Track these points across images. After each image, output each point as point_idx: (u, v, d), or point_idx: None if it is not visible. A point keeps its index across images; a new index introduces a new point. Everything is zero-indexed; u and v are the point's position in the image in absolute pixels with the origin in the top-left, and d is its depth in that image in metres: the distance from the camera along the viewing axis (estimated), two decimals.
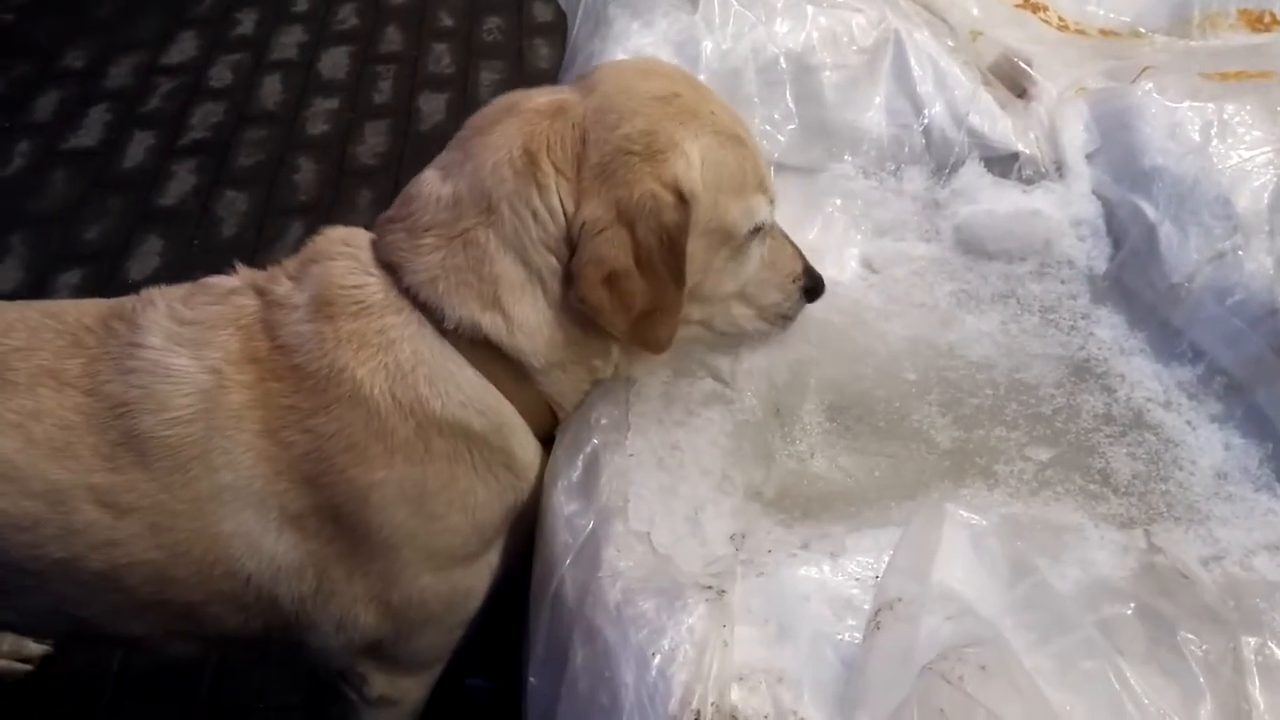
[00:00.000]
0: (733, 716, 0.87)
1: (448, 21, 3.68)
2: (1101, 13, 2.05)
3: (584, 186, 1.08)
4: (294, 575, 1.12)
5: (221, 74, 3.41)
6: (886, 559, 0.96)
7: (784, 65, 1.74)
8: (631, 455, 1.15)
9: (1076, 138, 1.68)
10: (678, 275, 1.10)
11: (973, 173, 1.72)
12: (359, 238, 1.18)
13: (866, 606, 0.93)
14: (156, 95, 3.30)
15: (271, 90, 3.33)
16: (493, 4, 3.74)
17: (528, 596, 1.17)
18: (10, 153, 3.04)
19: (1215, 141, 1.51)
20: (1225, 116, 1.53)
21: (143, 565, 1.09)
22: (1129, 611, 0.93)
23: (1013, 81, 1.82)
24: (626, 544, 1.03)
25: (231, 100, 3.27)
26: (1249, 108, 1.54)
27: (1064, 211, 1.65)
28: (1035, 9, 2.01)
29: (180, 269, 2.58)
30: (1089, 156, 1.67)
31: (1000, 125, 1.72)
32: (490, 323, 1.10)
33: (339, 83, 3.36)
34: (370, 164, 3.00)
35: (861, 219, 1.69)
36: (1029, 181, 1.70)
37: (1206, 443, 1.35)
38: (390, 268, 1.12)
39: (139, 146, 3.07)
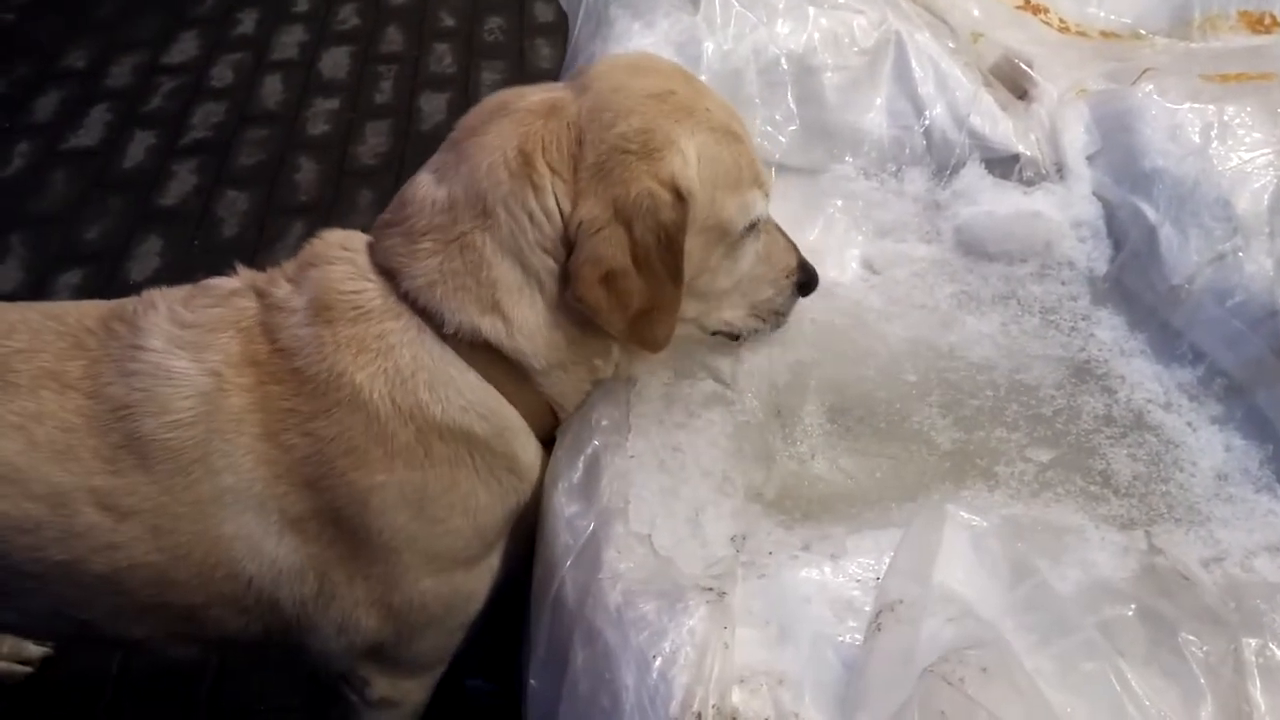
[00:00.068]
0: (734, 718, 0.87)
1: (449, 21, 3.68)
2: (1102, 14, 2.05)
3: (580, 186, 1.07)
4: (295, 578, 1.12)
5: (222, 74, 3.41)
6: (887, 561, 0.96)
7: (785, 66, 1.74)
8: (632, 457, 1.15)
9: (1077, 139, 1.69)
10: (675, 273, 1.10)
11: (973, 174, 1.72)
12: (356, 241, 1.18)
13: (867, 608, 0.93)
14: (157, 95, 3.30)
15: (272, 90, 3.33)
16: (494, 4, 3.74)
17: (528, 598, 1.17)
18: (10, 153, 3.04)
19: (1215, 143, 1.51)
20: (1225, 118, 1.53)
21: (144, 568, 1.09)
22: (1130, 613, 0.93)
23: (1014, 83, 1.82)
24: (627, 546, 1.03)
25: (232, 100, 3.27)
26: (1249, 109, 1.54)
27: (1065, 213, 1.65)
28: (1036, 11, 2.01)
29: (181, 269, 2.58)
30: (1090, 158, 1.68)
31: (1001, 127, 1.72)
32: (490, 326, 1.10)
33: (340, 82, 3.36)
34: (371, 164, 3.00)
35: (862, 220, 1.69)
36: (1030, 183, 1.70)
37: (1207, 444, 1.35)
38: (388, 273, 1.12)
39: (139, 146, 3.07)
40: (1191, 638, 0.90)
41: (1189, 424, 1.38)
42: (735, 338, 1.30)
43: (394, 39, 3.60)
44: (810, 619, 0.96)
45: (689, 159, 1.09)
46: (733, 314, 1.26)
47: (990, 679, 0.80)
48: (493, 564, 1.22)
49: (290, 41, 3.58)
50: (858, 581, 0.99)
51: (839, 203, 1.70)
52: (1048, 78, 1.78)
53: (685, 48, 1.71)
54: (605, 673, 0.93)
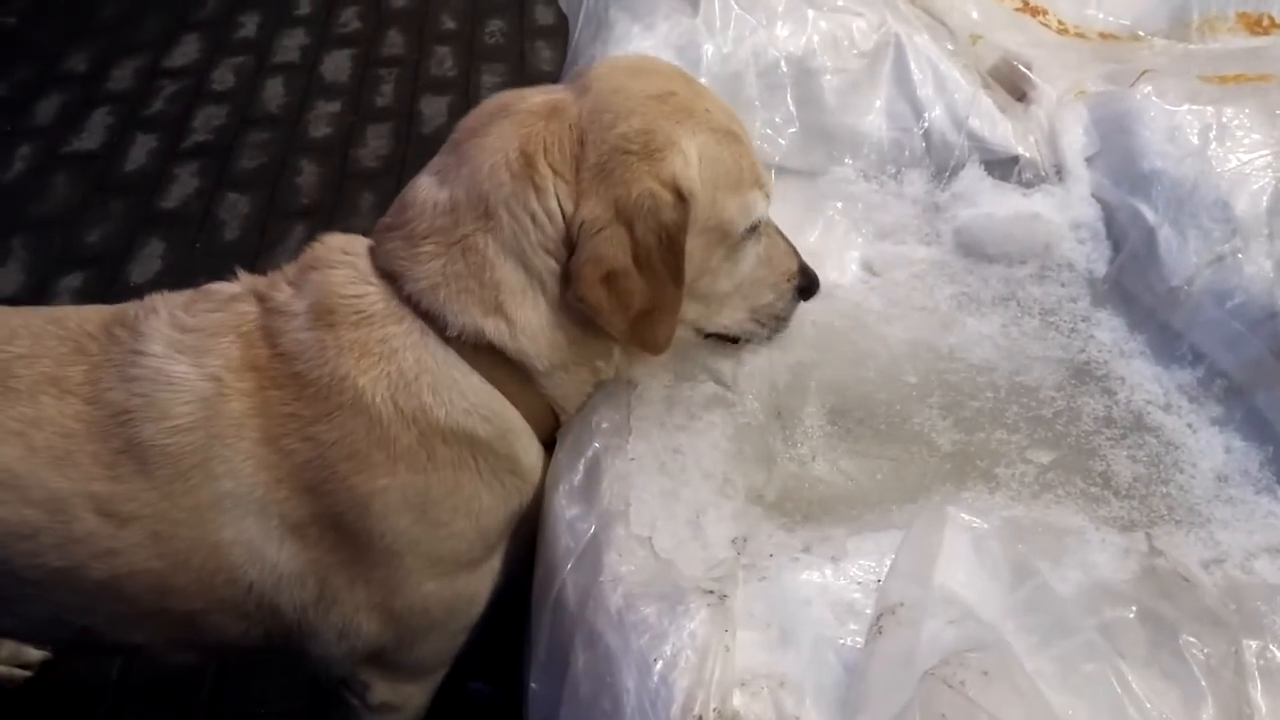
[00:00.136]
0: None
1: (450, 24, 3.68)
2: (1101, 16, 2.06)
3: (582, 187, 1.07)
4: (295, 583, 1.12)
5: (224, 77, 3.41)
6: (888, 563, 0.96)
7: (785, 69, 1.74)
8: (633, 459, 1.15)
9: (1076, 141, 1.69)
10: (676, 274, 1.10)
11: (973, 176, 1.72)
12: (357, 245, 1.18)
13: (868, 611, 0.94)
14: (159, 98, 3.30)
15: (274, 93, 3.33)
16: (495, 7, 3.74)
17: (529, 601, 1.17)
18: (12, 156, 3.04)
19: (1214, 145, 1.51)
20: (1224, 120, 1.53)
21: (143, 574, 1.09)
22: (1130, 615, 0.93)
23: (1012, 85, 1.82)
24: (628, 548, 1.03)
25: (234, 103, 3.27)
26: (1248, 111, 1.54)
27: (1064, 215, 1.65)
28: (1035, 13, 2.02)
29: (182, 272, 2.58)
30: (1088, 160, 1.68)
31: (1000, 129, 1.73)
32: (493, 328, 1.10)
33: (341, 86, 3.37)
34: (372, 167, 3.00)
35: (862, 222, 1.70)
36: (1029, 185, 1.70)
37: (1207, 445, 1.35)
38: (390, 276, 1.12)
39: (141, 149, 3.07)
40: (1192, 639, 0.90)
41: (1189, 425, 1.38)
42: (734, 341, 1.30)
43: (395, 42, 3.60)
44: (811, 621, 0.96)
45: (690, 159, 1.09)
46: (733, 317, 1.26)
47: (991, 681, 0.80)
48: (494, 567, 1.22)
49: (292, 45, 3.58)
50: (859, 584, 1.00)
51: (839, 205, 1.71)
52: (1046, 80, 1.78)
53: (685, 50, 1.71)
54: (606, 676, 0.93)
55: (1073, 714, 0.83)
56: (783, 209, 1.29)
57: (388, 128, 3.15)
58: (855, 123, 1.75)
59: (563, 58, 2.42)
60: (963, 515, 0.97)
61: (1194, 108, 1.56)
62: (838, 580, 1.00)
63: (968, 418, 1.38)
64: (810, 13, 1.78)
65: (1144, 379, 1.45)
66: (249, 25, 3.69)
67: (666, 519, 1.09)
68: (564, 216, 1.08)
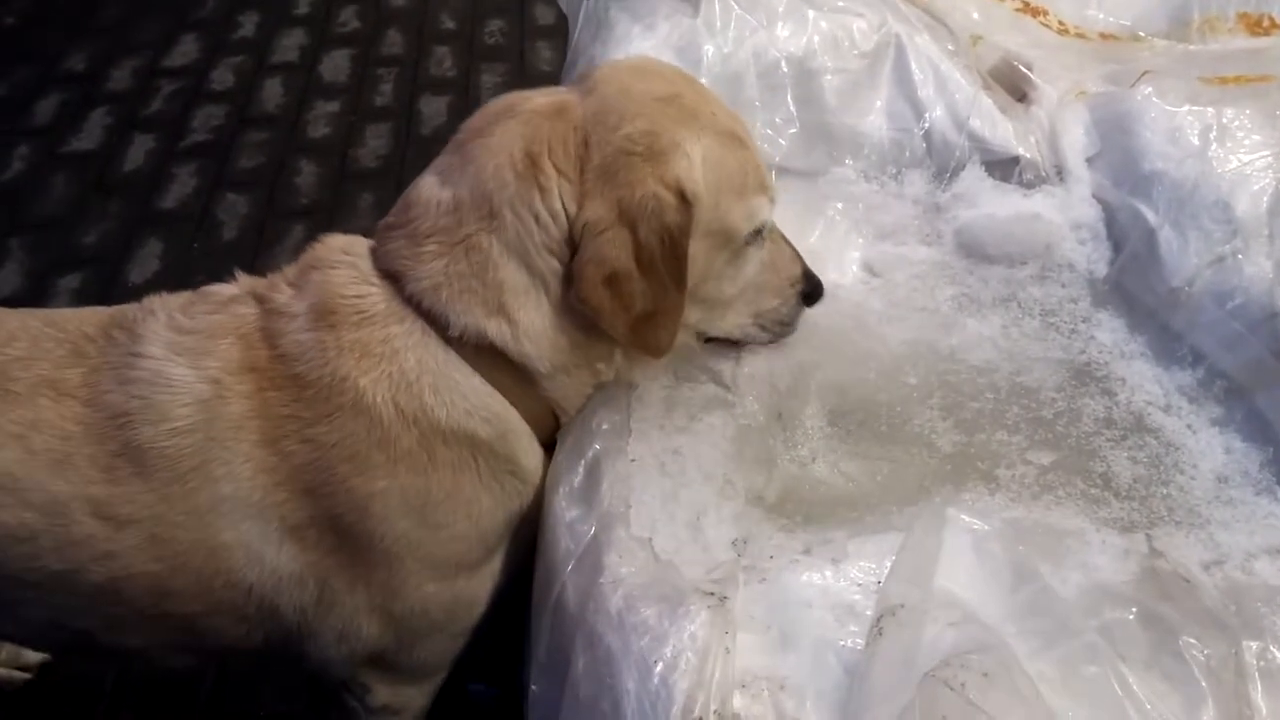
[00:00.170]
0: None
1: (449, 24, 3.69)
2: (1101, 17, 2.05)
3: (586, 188, 1.07)
4: (295, 586, 1.12)
5: (223, 77, 3.41)
6: (888, 564, 0.96)
7: (785, 69, 1.74)
8: (633, 460, 1.15)
9: (1076, 142, 1.69)
10: (679, 277, 1.10)
11: (973, 176, 1.72)
12: (358, 245, 1.18)
13: (869, 612, 0.93)
14: (157, 98, 3.31)
15: (273, 93, 3.33)
16: (494, 7, 3.74)
17: (529, 602, 1.17)
18: (10, 156, 3.04)
19: (1214, 145, 1.51)
20: (1224, 120, 1.53)
21: (142, 577, 1.09)
22: (1131, 617, 0.93)
23: (1013, 85, 1.82)
24: (628, 550, 1.03)
25: (233, 103, 3.28)
26: (1248, 112, 1.54)
27: (1064, 215, 1.65)
28: (1035, 13, 2.02)
29: (180, 272, 2.58)
30: (1089, 160, 1.68)
31: (1001, 129, 1.72)
32: (496, 329, 1.09)
33: (340, 85, 3.37)
34: (371, 167, 3.00)
35: (862, 223, 1.69)
36: (1029, 185, 1.70)
37: (1207, 446, 1.35)
38: (392, 276, 1.12)
39: (139, 149, 3.07)
40: (1193, 641, 0.90)
41: (1189, 426, 1.38)
42: (735, 344, 1.30)
43: (394, 42, 3.60)
44: (811, 623, 0.95)
45: (694, 162, 1.09)
46: (736, 322, 1.26)
47: (992, 683, 0.80)
48: (494, 568, 1.22)
49: (291, 44, 3.58)
50: (859, 586, 0.99)
51: (839, 205, 1.70)
52: (1047, 80, 1.78)
53: (685, 51, 1.71)
54: (606, 677, 0.93)
55: (1073, 716, 0.83)
56: (783, 210, 1.29)
57: (387, 128, 3.15)
58: (856, 123, 1.75)
59: (563, 58, 2.42)
60: (963, 517, 0.97)
61: (1194, 108, 1.56)
62: (838, 582, 1.00)
63: (968, 419, 1.38)
64: (811, 13, 1.78)
65: (1144, 380, 1.45)
66: (248, 25, 3.69)
67: (667, 521, 1.09)
68: (567, 217, 1.08)
